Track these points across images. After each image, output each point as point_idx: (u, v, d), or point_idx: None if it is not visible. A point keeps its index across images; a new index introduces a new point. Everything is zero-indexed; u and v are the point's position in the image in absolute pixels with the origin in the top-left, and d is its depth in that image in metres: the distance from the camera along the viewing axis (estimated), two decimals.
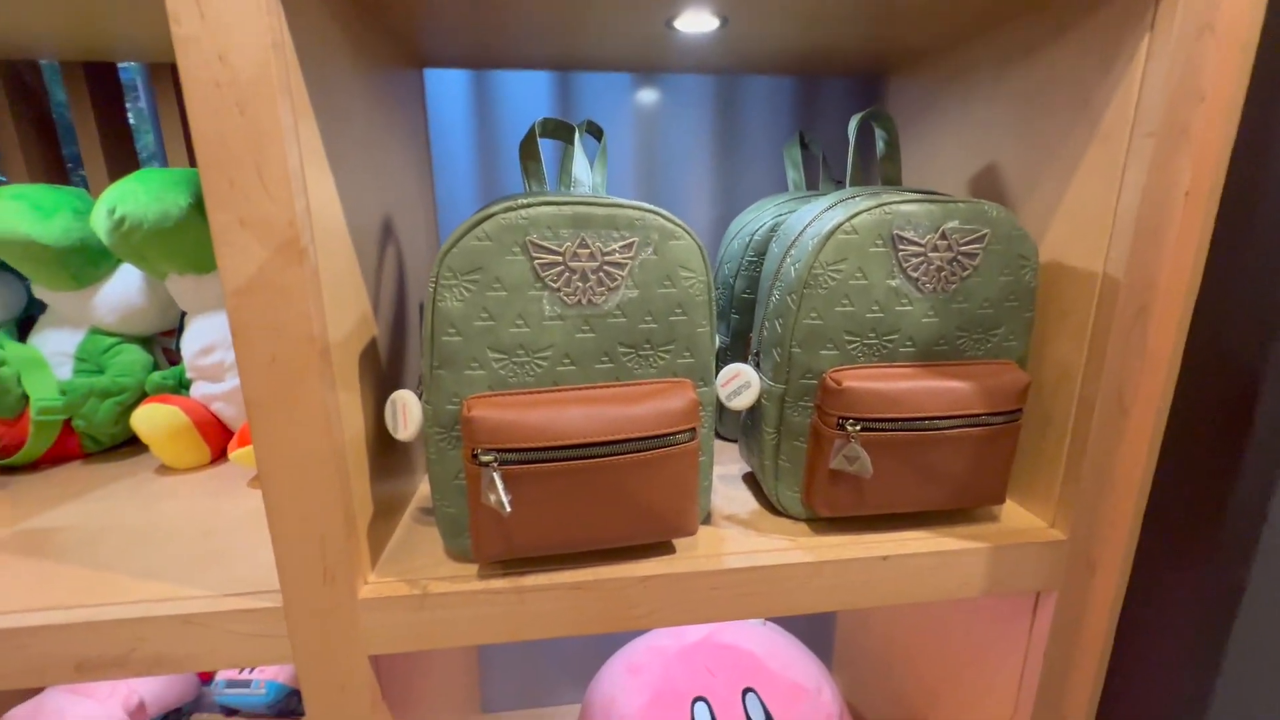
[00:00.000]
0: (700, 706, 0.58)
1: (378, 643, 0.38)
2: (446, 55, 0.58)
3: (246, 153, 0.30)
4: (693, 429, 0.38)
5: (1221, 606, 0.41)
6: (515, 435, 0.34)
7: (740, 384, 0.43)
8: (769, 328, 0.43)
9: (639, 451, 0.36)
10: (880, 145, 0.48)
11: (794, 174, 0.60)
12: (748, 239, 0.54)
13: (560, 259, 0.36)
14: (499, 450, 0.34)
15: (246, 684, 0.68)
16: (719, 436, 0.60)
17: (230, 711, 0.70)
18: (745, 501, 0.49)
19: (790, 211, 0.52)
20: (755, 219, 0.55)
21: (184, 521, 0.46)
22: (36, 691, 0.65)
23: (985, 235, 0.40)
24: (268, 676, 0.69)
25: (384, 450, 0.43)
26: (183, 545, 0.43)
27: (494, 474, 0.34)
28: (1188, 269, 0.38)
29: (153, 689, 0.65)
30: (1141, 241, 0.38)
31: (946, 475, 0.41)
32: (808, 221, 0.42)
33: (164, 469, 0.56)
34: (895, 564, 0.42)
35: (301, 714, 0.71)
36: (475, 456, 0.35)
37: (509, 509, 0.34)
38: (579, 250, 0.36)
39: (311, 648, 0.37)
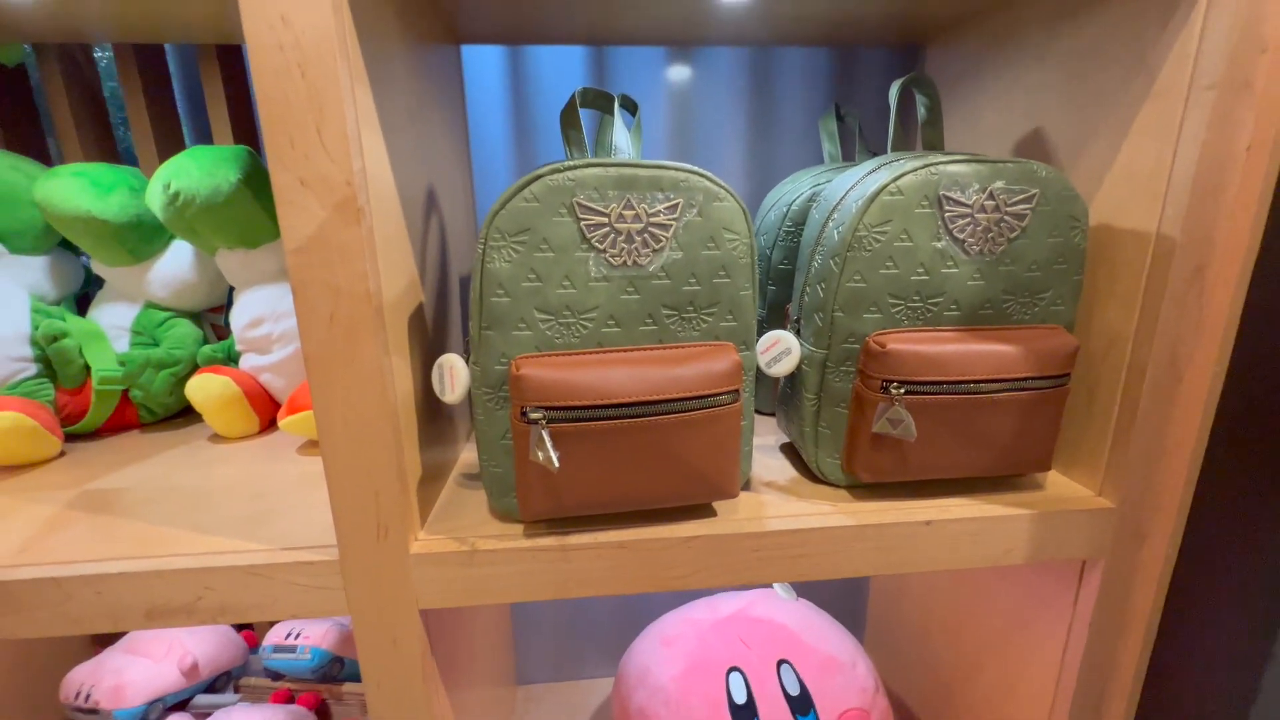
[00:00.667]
0: (735, 676, 0.59)
1: (428, 597, 0.39)
2: (483, 31, 0.58)
3: (307, 114, 0.31)
4: (736, 390, 0.38)
5: (1275, 581, 0.40)
6: (563, 393, 0.35)
7: (780, 350, 0.43)
8: (810, 293, 0.43)
9: (683, 412, 0.37)
10: (922, 111, 0.48)
11: (830, 146, 0.60)
12: (785, 209, 0.54)
13: (606, 220, 0.36)
14: (547, 408, 0.35)
15: (292, 649, 0.71)
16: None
17: (276, 675, 0.73)
18: (784, 470, 0.49)
19: (828, 181, 0.52)
20: (792, 190, 0.55)
21: (238, 484, 0.48)
22: (101, 648, 0.68)
23: (1034, 196, 0.39)
24: (312, 642, 0.71)
25: (430, 416, 0.44)
26: (239, 505, 0.45)
27: (542, 431, 0.35)
28: (1248, 226, 0.37)
29: (206, 651, 0.68)
30: (1199, 199, 0.37)
31: (991, 440, 0.41)
32: (851, 185, 0.42)
33: (216, 437, 0.58)
34: (938, 529, 0.41)
35: (342, 679, 0.74)
36: (524, 414, 0.35)
37: (557, 465, 0.35)
38: (624, 212, 0.36)
39: (366, 600, 0.38)
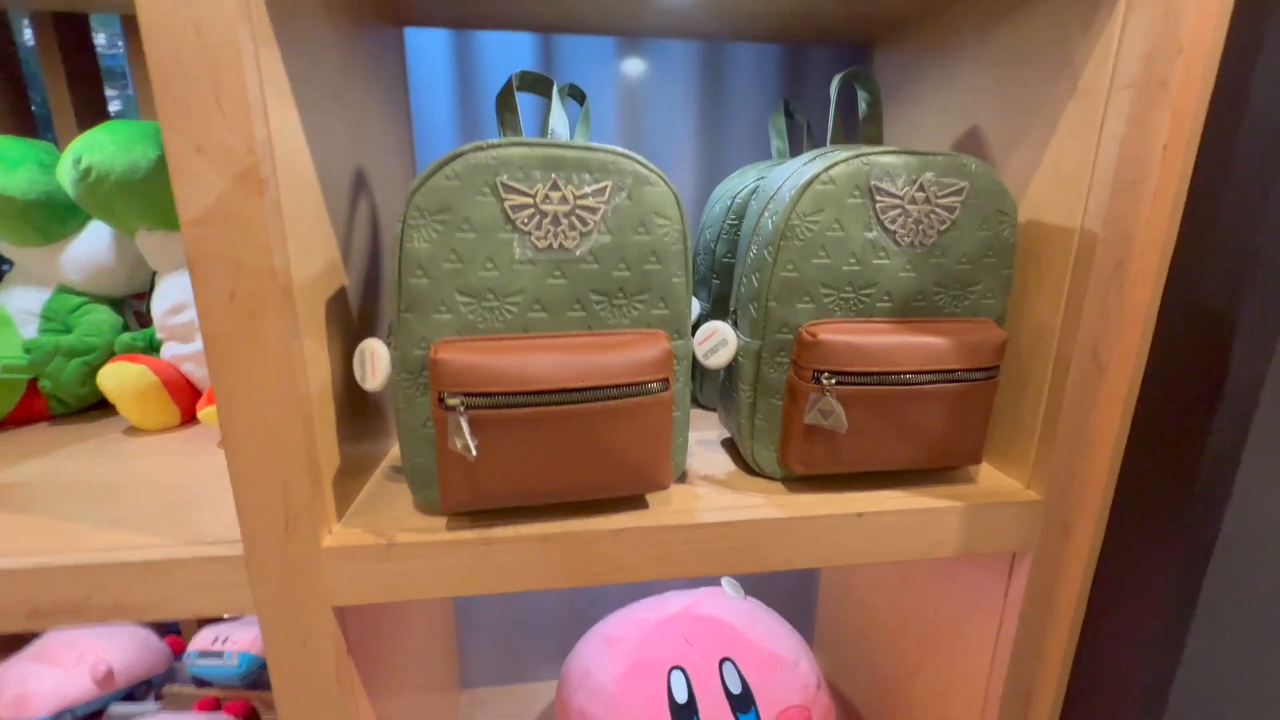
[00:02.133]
0: (677, 675, 0.58)
1: (342, 593, 0.37)
2: (427, 14, 0.57)
3: (204, 74, 0.29)
4: (665, 379, 0.37)
5: (1193, 565, 0.41)
6: (483, 379, 0.34)
7: (717, 341, 0.43)
8: (746, 283, 0.42)
9: (611, 400, 0.36)
10: (863, 106, 0.48)
11: (778, 142, 0.60)
12: (729, 202, 0.53)
13: (531, 201, 0.35)
14: (466, 394, 0.34)
15: (219, 654, 0.67)
16: (697, 405, 0.60)
17: (202, 683, 0.69)
18: (722, 463, 0.48)
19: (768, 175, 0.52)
20: (738, 183, 0.55)
21: (150, 478, 0.45)
22: (3, 657, 0.64)
23: (963, 189, 0.39)
24: (240, 648, 0.68)
25: (354, 407, 0.42)
26: (147, 499, 0.42)
27: (460, 418, 0.34)
28: (1164, 222, 0.37)
29: (123, 658, 0.64)
30: (1119, 196, 0.38)
31: (923, 433, 0.41)
32: (787, 175, 0.41)
33: (132, 430, 0.54)
34: (870, 521, 0.41)
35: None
36: (441, 400, 0.34)
37: (475, 454, 0.34)
38: (550, 193, 0.35)
39: (273, 597, 0.36)
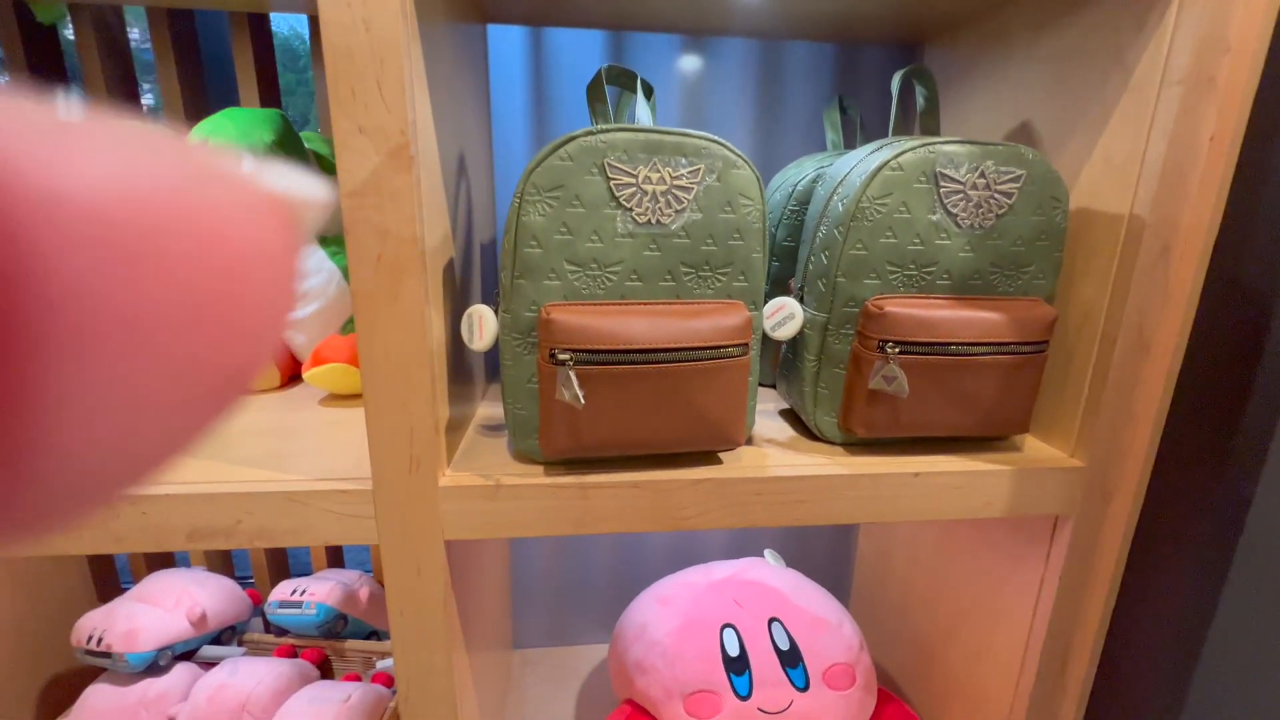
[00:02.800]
0: (729, 632, 0.62)
1: (454, 528, 0.42)
2: (509, 12, 0.61)
3: (369, 65, 0.33)
4: (745, 344, 0.41)
5: (1228, 534, 0.44)
6: (589, 338, 0.38)
7: (785, 315, 0.47)
8: (814, 261, 0.46)
9: (697, 360, 0.40)
10: (920, 101, 0.52)
11: (833, 135, 0.64)
12: (790, 190, 0.57)
13: (634, 181, 0.39)
14: (574, 350, 0.38)
15: (298, 604, 0.73)
16: None
17: (281, 631, 0.75)
18: (784, 430, 0.52)
19: (831, 164, 0.56)
20: (797, 173, 0.58)
21: (268, 427, 0.50)
22: (105, 601, 0.70)
23: (1021, 176, 0.43)
24: (318, 598, 0.73)
25: (456, 365, 0.47)
26: (270, 443, 0.47)
27: (569, 371, 0.38)
28: (1209, 210, 0.41)
29: (213, 604, 0.70)
30: (1167, 185, 0.41)
31: (976, 401, 0.45)
32: (855, 163, 0.45)
33: None
34: (925, 480, 0.45)
35: (345, 636, 0.76)
36: (552, 356, 0.38)
37: (583, 402, 0.38)
38: (650, 174, 0.39)
39: (395, 528, 0.41)
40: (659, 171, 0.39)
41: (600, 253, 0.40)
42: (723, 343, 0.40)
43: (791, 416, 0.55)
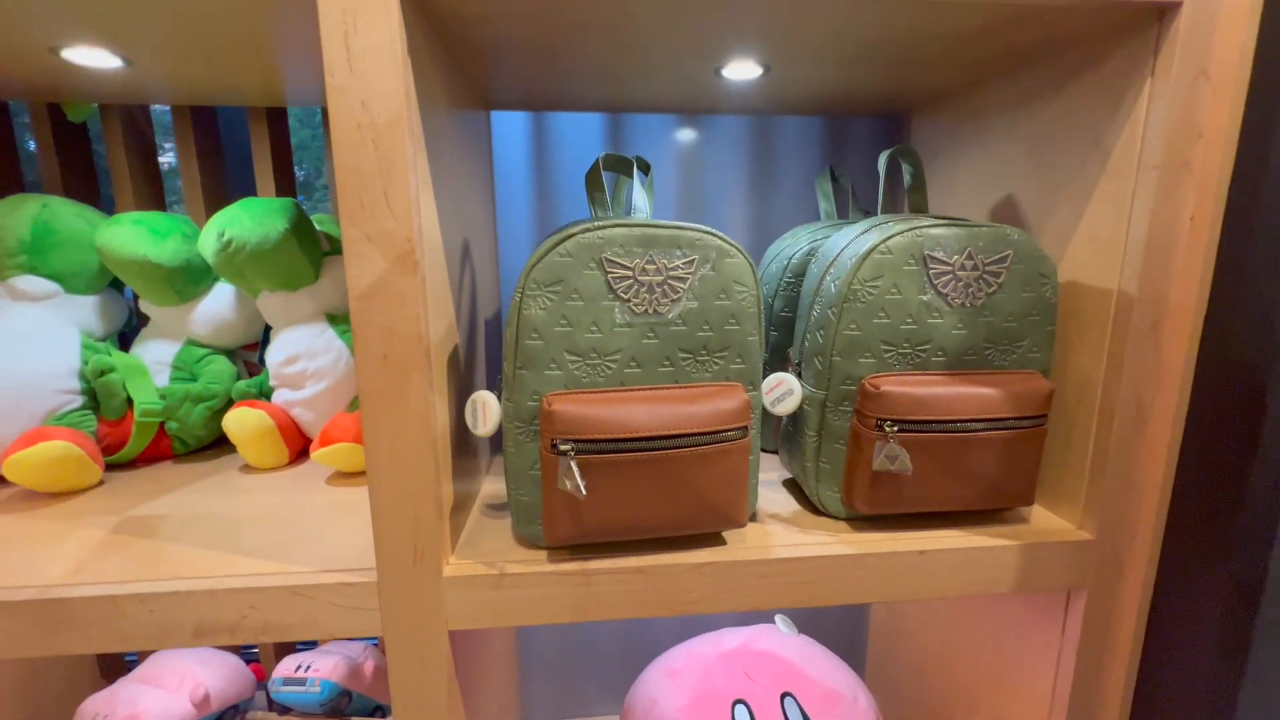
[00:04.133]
0: (740, 709, 0.60)
1: (457, 618, 0.42)
2: (511, 99, 0.65)
3: (377, 180, 0.35)
4: (745, 427, 0.42)
5: (1245, 597, 0.43)
6: (590, 427, 0.39)
7: (783, 391, 0.47)
8: (810, 339, 0.47)
9: (697, 446, 0.40)
10: (907, 178, 0.53)
11: (825, 204, 0.66)
12: (786, 261, 0.59)
13: (630, 273, 0.41)
14: (575, 440, 0.39)
15: (302, 682, 0.72)
16: None
17: (284, 709, 0.73)
18: (787, 503, 0.52)
19: (825, 237, 0.57)
20: (792, 244, 0.60)
21: (273, 512, 0.51)
22: (108, 680, 0.69)
23: (1008, 256, 0.44)
24: (322, 675, 0.72)
25: (460, 449, 0.47)
26: (275, 531, 0.47)
27: (571, 462, 0.39)
28: (1195, 285, 0.42)
29: (218, 683, 0.69)
30: (1152, 261, 0.42)
31: (978, 475, 0.45)
32: (845, 244, 0.47)
33: (247, 468, 0.61)
34: (932, 558, 0.45)
35: (349, 713, 0.74)
36: (554, 446, 0.39)
37: (584, 493, 0.38)
38: (646, 265, 0.41)
39: (400, 620, 0.41)
40: (655, 263, 0.41)
41: (600, 342, 0.41)
42: (721, 427, 0.41)
43: (795, 487, 0.55)
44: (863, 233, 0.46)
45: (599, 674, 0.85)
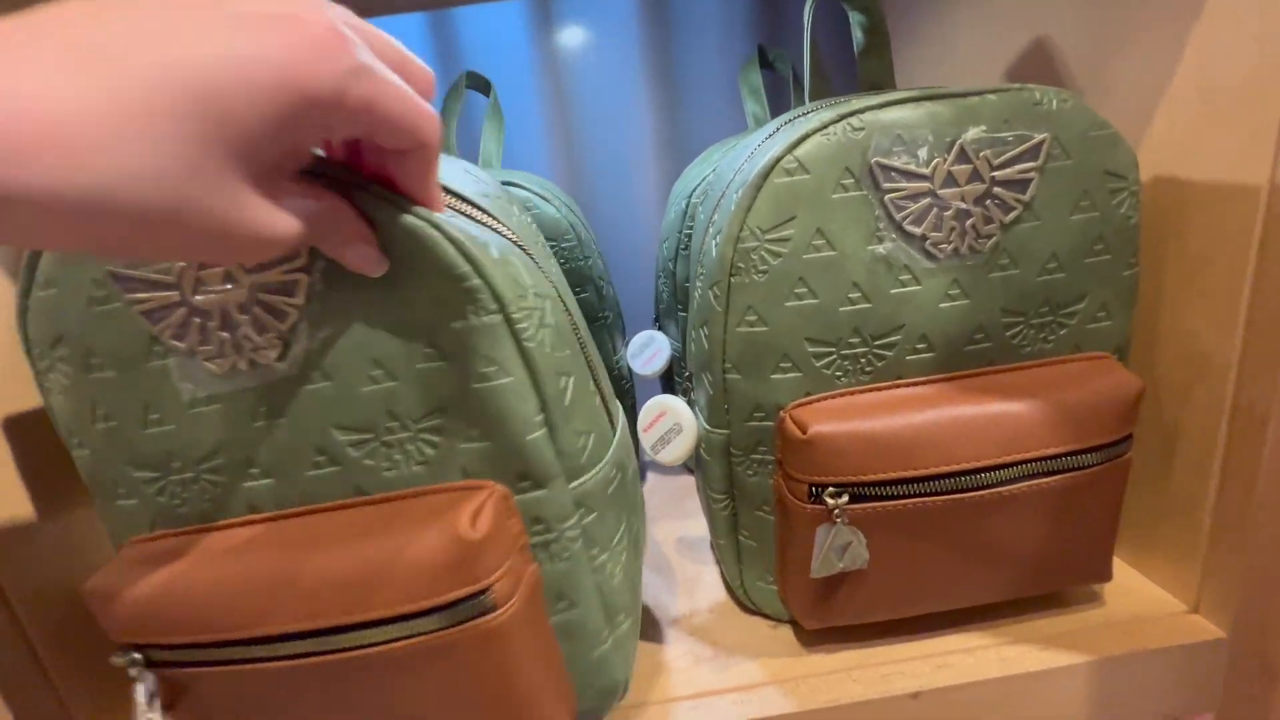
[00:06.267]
0: None
1: None
2: None
3: None
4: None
5: None
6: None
7: (667, 428, 0.28)
8: (694, 340, 0.27)
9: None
10: (858, 35, 0.31)
11: (754, 106, 0.44)
12: (684, 204, 0.38)
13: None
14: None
15: None
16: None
17: None
18: (709, 592, 0.33)
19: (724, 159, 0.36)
20: (698, 174, 0.39)
21: None
22: None
23: (1041, 144, 0.23)
24: None
25: None
26: None
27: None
28: None
29: None
30: None
31: (1007, 556, 0.25)
32: (739, 165, 0.26)
33: None
34: (931, 702, 0.26)
35: None
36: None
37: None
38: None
39: None
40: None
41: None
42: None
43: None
44: (765, 139, 0.25)
45: None
